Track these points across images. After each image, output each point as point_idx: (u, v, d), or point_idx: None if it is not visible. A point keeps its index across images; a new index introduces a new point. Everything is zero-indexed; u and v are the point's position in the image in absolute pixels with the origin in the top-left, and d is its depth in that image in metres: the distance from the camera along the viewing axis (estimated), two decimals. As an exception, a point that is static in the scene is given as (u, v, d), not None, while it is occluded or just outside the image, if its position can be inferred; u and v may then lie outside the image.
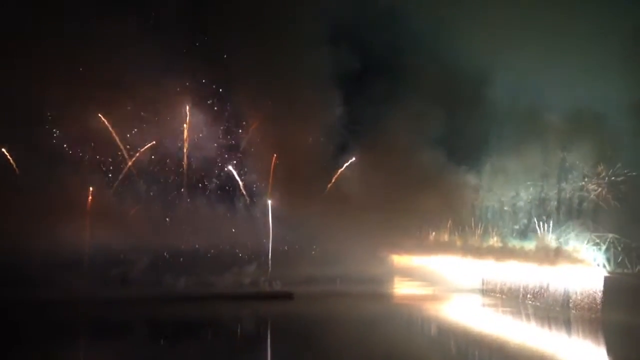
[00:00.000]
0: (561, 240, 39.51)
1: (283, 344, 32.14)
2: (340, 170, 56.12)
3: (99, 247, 44.82)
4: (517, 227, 45.53)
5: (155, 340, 33.50)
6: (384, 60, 54.11)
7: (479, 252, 46.99)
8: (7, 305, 37.61)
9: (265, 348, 31.88)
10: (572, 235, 38.77)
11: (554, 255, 39.45)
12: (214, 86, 55.48)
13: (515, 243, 44.67)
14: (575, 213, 42.67)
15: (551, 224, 42.73)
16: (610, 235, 36.19)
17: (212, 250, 50.91)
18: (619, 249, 35.54)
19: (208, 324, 37.64)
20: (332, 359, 27.82)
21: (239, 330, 36.85)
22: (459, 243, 49.92)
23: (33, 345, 30.27)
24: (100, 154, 51.86)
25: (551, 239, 40.68)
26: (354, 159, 55.67)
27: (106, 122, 50.68)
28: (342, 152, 56.86)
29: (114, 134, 51.47)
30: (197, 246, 49.75)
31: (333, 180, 54.97)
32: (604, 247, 36.23)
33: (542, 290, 41.12)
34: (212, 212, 53.65)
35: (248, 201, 55.76)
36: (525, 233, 44.59)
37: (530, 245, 42.76)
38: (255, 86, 52.20)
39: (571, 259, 38.09)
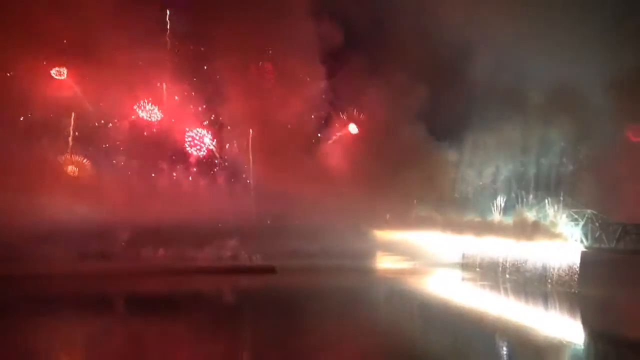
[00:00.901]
0: (540, 215, 40.02)
1: (266, 317, 32.22)
2: (322, 145, 56.01)
3: (75, 220, 43.97)
4: (496, 202, 46.02)
5: (134, 315, 33.16)
6: (366, 34, 53.59)
7: (460, 227, 47.47)
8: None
9: (248, 321, 31.92)
10: (550, 210, 39.26)
11: (532, 231, 39.93)
12: (194, 55, 54.60)
13: (494, 218, 45.24)
14: (553, 189, 43.23)
15: (530, 200, 43.35)
16: (588, 211, 36.50)
17: (192, 224, 50.33)
18: (597, 224, 35.98)
19: (189, 298, 37.47)
20: (316, 332, 28.05)
21: (221, 305, 36.73)
22: (439, 218, 50.36)
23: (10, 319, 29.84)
24: (77, 125, 50.89)
25: (530, 215, 41.20)
26: (337, 134, 55.66)
27: (80, 92, 49.62)
28: (324, 126, 56.74)
29: (87, 104, 50.44)
30: (177, 219, 49.14)
31: (316, 155, 54.84)
32: (581, 223, 36.73)
33: (520, 264, 41.80)
34: (192, 185, 53.25)
35: (229, 174, 55.45)
36: (504, 208, 45.11)
37: (508, 220, 43.30)
38: (237, 57, 51.51)
39: (549, 234, 38.59)
